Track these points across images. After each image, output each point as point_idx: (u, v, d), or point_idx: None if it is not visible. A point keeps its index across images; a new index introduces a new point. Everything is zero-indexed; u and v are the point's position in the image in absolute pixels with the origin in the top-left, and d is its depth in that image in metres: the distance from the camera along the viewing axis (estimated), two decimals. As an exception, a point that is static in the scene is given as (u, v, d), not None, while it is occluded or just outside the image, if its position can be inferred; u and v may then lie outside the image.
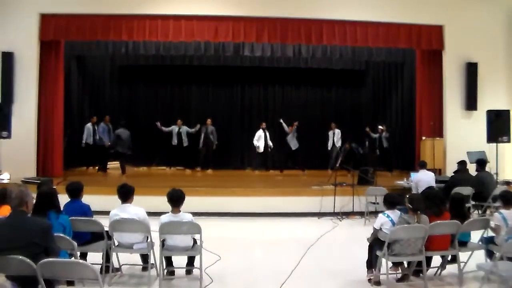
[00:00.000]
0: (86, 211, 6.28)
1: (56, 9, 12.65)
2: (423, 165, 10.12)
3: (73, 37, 13.13)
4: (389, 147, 15.50)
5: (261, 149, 15.67)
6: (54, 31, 12.69)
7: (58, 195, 5.76)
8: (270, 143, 15.73)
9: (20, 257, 4.02)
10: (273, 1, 12.97)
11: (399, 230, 5.77)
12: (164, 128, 15.86)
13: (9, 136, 10.92)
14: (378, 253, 6.00)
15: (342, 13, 13.11)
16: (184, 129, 15.91)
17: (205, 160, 15.93)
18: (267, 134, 15.70)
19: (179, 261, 6.49)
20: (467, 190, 9.41)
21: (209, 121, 15.83)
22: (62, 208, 6.06)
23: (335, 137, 15.94)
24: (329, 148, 16.04)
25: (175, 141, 15.85)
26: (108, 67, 17.59)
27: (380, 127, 15.63)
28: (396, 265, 6.31)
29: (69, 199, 6.39)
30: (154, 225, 6.10)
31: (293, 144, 15.70)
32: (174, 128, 15.92)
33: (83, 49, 15.05)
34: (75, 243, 5.29)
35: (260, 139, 15.65)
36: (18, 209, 4.33)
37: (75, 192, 6.41)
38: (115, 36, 13.01)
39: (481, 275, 6.03)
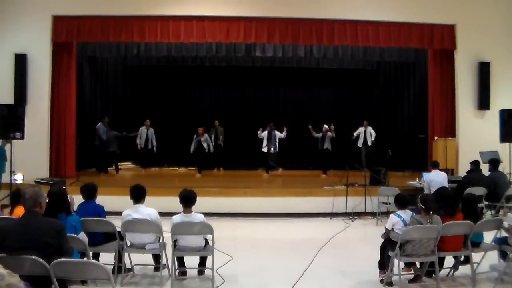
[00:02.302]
0: (100, 211, 6.32)
1: (68, 11, 12.73)
2: (435, 165, 10.06)
3: (85, 39, 13.23)
4: (331, 148, 15.33)
5: (265, 149, 15.57)
6: (67, 33, 12.78)
7: (68, 196, 5.80)
8: (276, 144, 15.57)
9: (34, 257, 4.04)
10: (284, 2, 12.96)
11: (411, 231, 5.75)
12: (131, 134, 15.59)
13: (22, 137, 10.96)
14: (390, 253, 5.99)
15: (354, 13, 13.08)
16: (152, 130, 15.67)
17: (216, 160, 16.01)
18: (273, 135, 15.55)
19: (191, 261, 6.50)
20: (480, 190, 9.36)
21: (216, 122, 15.88)
22: (76, 209, 6.12)
23: (367, 135, 15.81)
24: (359, 145, 15.90)
25: (142, 143, 15.55)
26: (120, 68, 17.63)
27: (325, 126, 15.37)
28: (408, 265, 6.30)
29: (83, 200, 6.43)
30: (166, 225, 6.12)
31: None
32: (143, 130, 15.61)
33: (95, 50, 15.17)
34: (86, 239, 5.32)
35: (264, 139, 15.55)
36: (32, 209, 4.36)
37: (89, 193, 6.45)
38: (127, 37, 13.07)
39: (494, 276, 6.02)
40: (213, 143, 15.67)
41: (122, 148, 15.25)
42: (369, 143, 15.72)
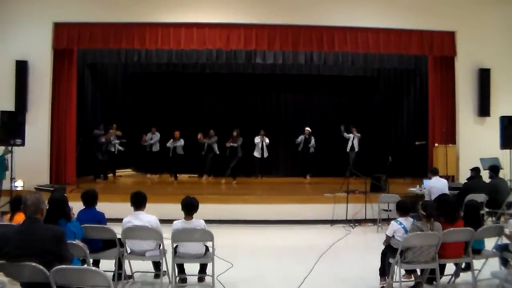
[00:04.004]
0: (100, 219, 6.30)
1: (69, 18, 12.77)
2: (435, 172, 10.00)
3: (86, 45, 13.24)
4: (314, 152, 15.32)
5: (258, 155, 15.63)
6: (67, 40, 12.81)
7: (69, 202, 5.80)
8: (265, 150, 15.65)
9: (34, 264, 4.03)
10: (285, 9, 12.99)
11: (412, 238, 5.73)
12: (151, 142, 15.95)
13: (22, 144, 10.97)
14: (391, 260, 5.97)
15: (354, 20, 13.11)
16: (157, 135, 15.94)
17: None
18: (264, 142, 15.63)
19: (191, 268, 6.49)
20: (480, 197, 9.31)
21: (212, 132, 15.85)
22: (76, 216, 6.11)
23: (355, 141, 15.76)
24: (347, 150, 15.86)
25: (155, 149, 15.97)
26: (120, 75, 17.67)
27: (307, 128, 15.31)
28: (409, 272, 6.28)
29: (84, 207, 6.43)
30: (167, 232, 6.12)
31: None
32: (149, 136, 15.91)
33: (96, 57, 15.21)
34: (87, 250, 5.31)
35: (256, 146, 15.61)
36: (33, 216, 4.35)
37: (89, 199, 6.44)
38: (128, 44, 13.11)
39: (495, 283, 5.99)
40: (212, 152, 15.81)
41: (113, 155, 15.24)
42: (356, 149, 15.71)
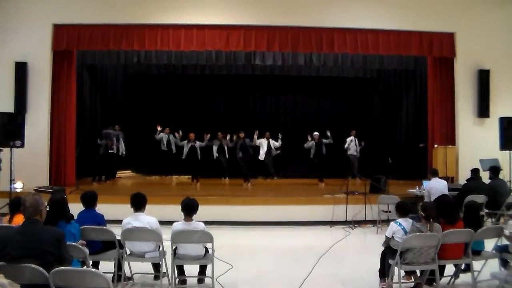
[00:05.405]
0: (100, 220, 6.30)
1: (69, 20, 12.78)
2: (435, 173, 9.98)
3: (86, 47, 13.26)
4: (326, 155, 15.25)
5: (262, 157, 15.55)
6: (67, 41, 12.82)
7: (69, 204, 5.80)
8: (273, 151, 15.56)
9: (33, 265, 4.03)
10: (284, 10, 12.99)
11: (412, 239, 5.73)
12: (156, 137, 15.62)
13: (22, 145, 10.97)
14: (391, 261, 5.97)
15: (353, 21, 13.13)
16: (172, 138, 15.68)
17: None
18: (270, 143, 15.54)
19: (191, 270, 6.49)
20: (480, 198, 9.31)
21: (219, 134, 15.77)
22: (75, 217, 6.10)
23: (355, 144, 15.70)
24: (349, 153, 15.73)
25: (164, 147, 15.63)
26: (120, 76, 17.67)
27: (316, 133, 15.24)
28: (409, 273, 6.27)
29: (83, 208, 6.43)
30: (166, 233, 6.11)
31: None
32: (164, 136, 15.65)
33: (96, 59, 15.24)
34: (87, 251, 5.31)
35: (261, 148, 15.49)
36: (32, 217, 4.35)
37: (89, 201, 6.44)
38: (127, 45, 13.11)
39: (495, 284, 5.99)
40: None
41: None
42: (357, 152, 15.62)
